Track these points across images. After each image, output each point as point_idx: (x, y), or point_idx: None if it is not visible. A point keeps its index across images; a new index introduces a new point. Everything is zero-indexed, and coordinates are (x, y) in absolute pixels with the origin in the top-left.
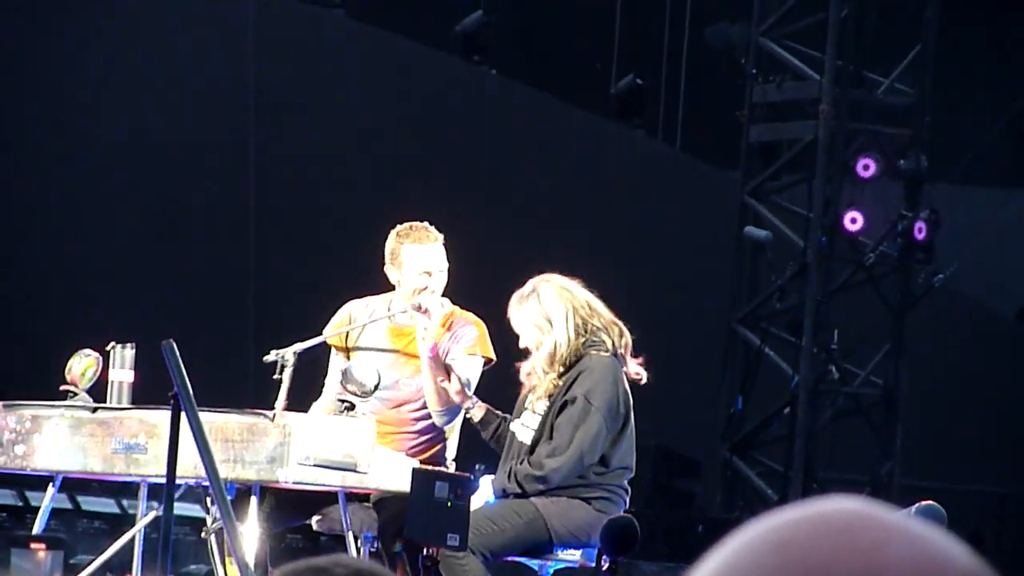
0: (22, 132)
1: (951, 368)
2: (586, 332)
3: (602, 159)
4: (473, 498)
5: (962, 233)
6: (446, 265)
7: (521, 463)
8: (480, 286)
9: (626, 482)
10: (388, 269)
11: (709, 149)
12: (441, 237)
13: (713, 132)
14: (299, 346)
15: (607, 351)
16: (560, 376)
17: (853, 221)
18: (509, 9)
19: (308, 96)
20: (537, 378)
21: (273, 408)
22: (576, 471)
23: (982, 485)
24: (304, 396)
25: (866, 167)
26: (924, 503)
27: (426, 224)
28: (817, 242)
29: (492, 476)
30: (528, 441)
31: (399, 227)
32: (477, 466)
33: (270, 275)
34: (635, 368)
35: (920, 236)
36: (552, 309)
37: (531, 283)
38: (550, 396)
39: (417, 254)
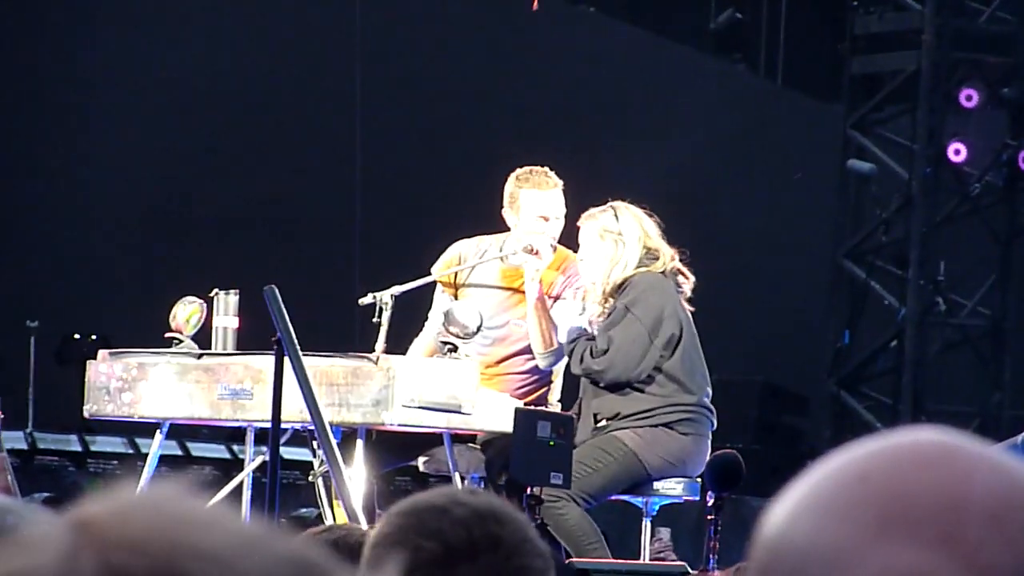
0: (117, 95)
1: None
2: (644, 259)
3: (703, 95)
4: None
5: None
6: (563, 211)
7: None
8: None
9: (706, 400)
10: (506, 212)
11: (811, 82)
12: (560, 184)
13: (815, 65)
14: (397, 289)
15: (658, 269)
16: (610, 295)
17: (957, 152)
18: None
19: (411, 41)
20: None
21: (374, 351)
22: (622, 369)
23: None
24: (405, 339)
25: (969, 97)
26: None
27: (546, 169)
28: (921, 174)
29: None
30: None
31: (519, 171)
32: None
33: (375, 217)
34: (684, 281)
35: None
36: (626, 229)
37: (609, 205)
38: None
39: (535, 199)
